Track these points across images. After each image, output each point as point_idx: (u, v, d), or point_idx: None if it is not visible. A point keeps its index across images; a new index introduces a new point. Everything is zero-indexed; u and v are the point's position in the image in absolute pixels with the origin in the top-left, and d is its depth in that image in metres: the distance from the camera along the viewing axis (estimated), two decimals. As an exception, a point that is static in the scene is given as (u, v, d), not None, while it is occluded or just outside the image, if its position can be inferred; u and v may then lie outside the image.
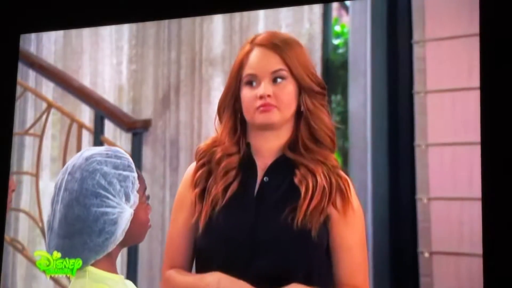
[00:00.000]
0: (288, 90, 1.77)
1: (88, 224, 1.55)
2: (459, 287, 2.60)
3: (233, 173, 1.80)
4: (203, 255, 1.81)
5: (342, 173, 1.79)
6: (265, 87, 1.75)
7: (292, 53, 1.78)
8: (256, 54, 1.79)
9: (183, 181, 1.89)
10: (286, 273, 1.72)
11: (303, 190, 1.74)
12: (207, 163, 1.84)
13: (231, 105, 1.83)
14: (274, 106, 1.76)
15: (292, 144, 1.80)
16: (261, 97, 1.76)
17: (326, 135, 1.80)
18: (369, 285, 1.78)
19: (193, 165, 1.88)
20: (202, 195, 1.81)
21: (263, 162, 1.82)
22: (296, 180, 1.76)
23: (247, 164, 1.82)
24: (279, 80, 1.77)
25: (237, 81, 1.82)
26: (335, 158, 1.80)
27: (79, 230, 1.56)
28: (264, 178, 1.80)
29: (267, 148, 1.82)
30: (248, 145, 1.83)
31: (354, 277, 1.75)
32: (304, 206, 1.72)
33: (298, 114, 1.81)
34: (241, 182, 1.80)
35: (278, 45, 1.78)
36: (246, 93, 1.79)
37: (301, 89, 1.78)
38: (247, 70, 1.79)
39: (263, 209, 1.77)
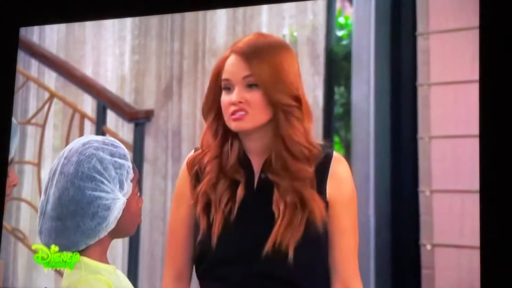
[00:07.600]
0: (259, 96, 1.76)
1: (82, 206, 1.56)
2: (460, 279, 2.60)
3: (229, 177, 1.80)
4: (218, 265, 1.78)
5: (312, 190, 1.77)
6: (237, 93, 1.76)
7: (261, 62, 1.76)
8: (230, 61, 1.80)
9: (181, 173, 1.89)
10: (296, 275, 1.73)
11: (276, 215, 1.74)
12: (200, 172, 1.84)
13: (214, 109, 1.84)
14: (247, 112, 1.75)
15: (269, 158, 1.79)
16: (233, 104, 1.76)
17: (297, 149, 1.76)
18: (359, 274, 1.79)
19: (191, 154, 1.88)
20: (206, 209, 1.80)
21: (257, 161, 1.82)
22: (273, 206, 1.75)
23: (243, 163, 1.82)
24: (253, 86, 1.76)
25: (216, 86, 1.83)
26: (307, 171, 1.76)
27: (72, 212, 1.56)
28: (261, 175, 1.80)
29: (255, 147, 1.82)
30: (241, 144, 1.83)
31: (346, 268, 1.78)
32: (276, 228, 1.72)
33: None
34: (241, 183, 1.80)
35: (248, 53, 1.77)
36: (223, 98, 1.80)
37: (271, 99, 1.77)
38: (223, 76, 1.80)
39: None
